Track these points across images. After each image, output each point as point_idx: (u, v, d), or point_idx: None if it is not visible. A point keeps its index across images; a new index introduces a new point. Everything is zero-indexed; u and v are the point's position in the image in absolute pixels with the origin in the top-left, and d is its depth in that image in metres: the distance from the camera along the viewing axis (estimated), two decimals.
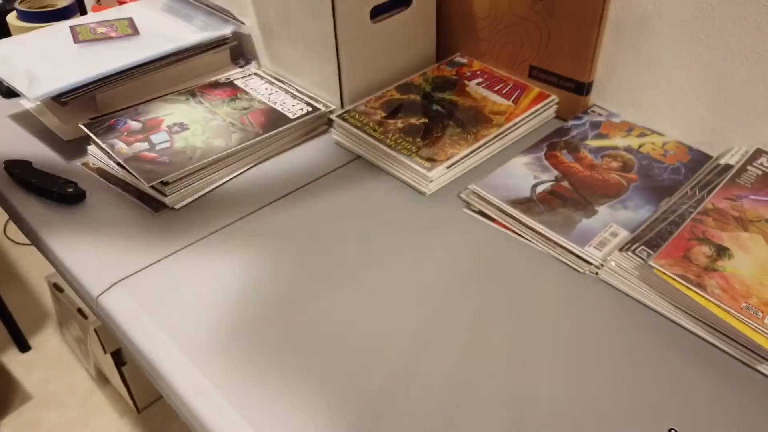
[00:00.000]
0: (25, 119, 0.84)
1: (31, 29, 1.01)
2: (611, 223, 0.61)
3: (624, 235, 0.59)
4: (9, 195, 0.69)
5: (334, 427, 0.45)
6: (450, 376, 0.49)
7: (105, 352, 1.18)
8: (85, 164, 0.74)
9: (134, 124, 0.76)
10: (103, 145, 0.71)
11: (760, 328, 0.48)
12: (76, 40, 0.87)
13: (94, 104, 0.80)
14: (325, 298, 0.55)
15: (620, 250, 0.55)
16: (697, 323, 0.52)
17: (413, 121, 0.74)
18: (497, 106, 0.77)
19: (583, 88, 0.76)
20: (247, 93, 0.82)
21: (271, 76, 0.87)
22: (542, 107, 0.77)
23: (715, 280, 0.51)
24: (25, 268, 1.73)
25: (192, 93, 0.83)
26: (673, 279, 0.51)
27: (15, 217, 0.67)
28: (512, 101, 0.78)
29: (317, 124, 0.79)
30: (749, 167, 0.64)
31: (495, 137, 0.72)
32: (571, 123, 0.76)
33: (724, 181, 0.62)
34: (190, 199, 0.68)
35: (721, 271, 0.52)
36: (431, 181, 0.67)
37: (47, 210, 0.67)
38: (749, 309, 0.49)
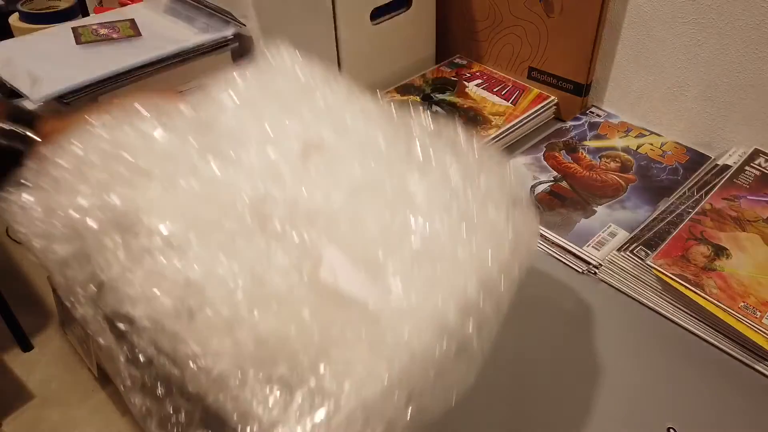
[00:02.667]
0: None
1: (33, 30, 1.02)
2: (610, 223, 0.61)
3: (622, 235, 0.60)
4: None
5: None
6: None
7: None
8: None
9: None
10: None
11: (758, 327, 0.48)
12: (78, 42, 0.87)
13: (96, 105, 0.81)
14: None
15: (619, 249, 0.56)
16: (696, 322, 0.52)
17: None
18: (496, 107, 0.77)
19: (581, 89, 0.77)
20: None
21: None
22: (541, 108, 0.77)
23: (713, 280, 0.51)
24: (28, 268, 1.73)
25: None
26: (671, 279, 0.51)
27: None
28: (511, 102, 0.78)
29: None
30: (747, 168, 0.64)
31: (494, 138, 0.72)
32: (569, 124, 0.76)
33: (722, 181, 0.62)
34: None
35: (719, 270, 0.53)
36: None
37: None
38: (747, 308, 0.49)
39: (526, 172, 0.68)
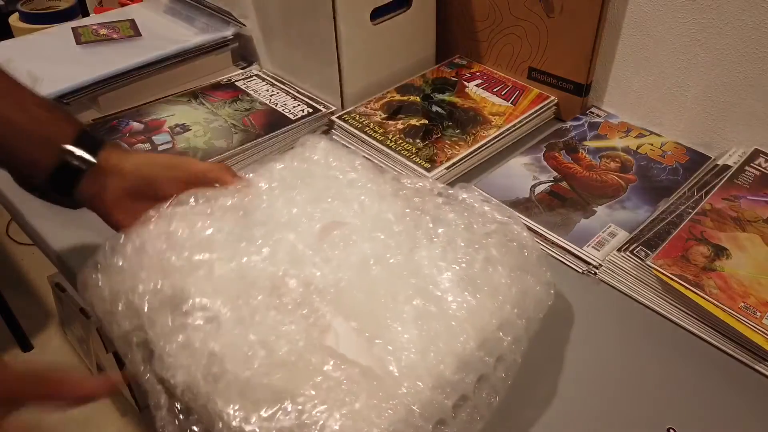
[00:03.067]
0: None
1: (34, 31, 1.02)
2: (610, 223, 0.61)
3: (622, 235, 0.60)
4: (11, 195, 0.69)
5: None
6: None
7: (107, 351, 1.19)
8: None
9: (136, 126, 0.76)
10: None
11: (758, 327, 0.48)
12: (78, 42, 0.87)
13: (96, 106, 0.81)
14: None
15: (619, 250, 0.56)
16: (696, 323, 0.52)
17: (413, 122, 0.75)
18: (496, 107, 0.77)
19: (581, 90, 0.77)
20: (248, 94, 0.83)
21: (272, 77, 0.87)
22: (541, 108, 0.77)
23: (713, 280, 0.51)
24: (28, 268, 1.73)
25: (194, 94, 0.83)
26: (671, 279, 0.51)
27: (17, 217, 0.68)
28: (511, 102, 0.78)
29: (318, 125, 0.79)
30: (747, 168, 0.64)
31: (494, 138, 0.72)
32: (569, 124, 0.76)
33: (722, 181, 0.62)
34: None
35: (719, 271, 0.53)
36: None
37: (49, 210, 0.67)
38: (747, 309, 0.49)
39: (526, 173, 0.68)
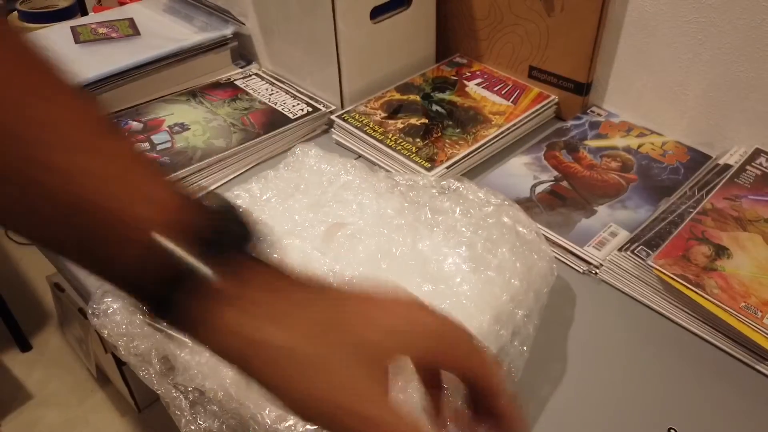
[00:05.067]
0: None
1: (32, 30, 1.01)
2: (610, 223, 0.61)
3: (623, 234, 0.59)
4: None
5: None
6: None
7: (106, 351, 1.18)
8: None
9: (135, 125, 0.76)
10: None
11: (759, 327, 0.48)
12: (77, 41, 0.87)
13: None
14: None
15: (619, 249, 0.55)
16: (697, 323, 0.52)
17: (413, 121, 0.75)
18: (497, 106, 0.77)
19: (582, 89, 0.77)
20: (247, 93, 0.83)
21: (271, 76, 0.87)
22: (542, 107, 0.77)
23: (714, 280, 0.51)
24: (27, 268, 1.73)
25: (193, 93, 0.83)
26: (672, 279, 0.51)
27: None
28: (512, 101, 0.78)
29: (318, 124, 0.79)
30: (748, 167, 0.64)
31: (494, 137, 0.72)
32: (570, 123, 0.76)
33: (723, 181, 0.62)
34: None
35: (720, 270, 0.52)
36: None
37: None
38: (748, 308, 0.49)
39: (527, 172, 0.68)
